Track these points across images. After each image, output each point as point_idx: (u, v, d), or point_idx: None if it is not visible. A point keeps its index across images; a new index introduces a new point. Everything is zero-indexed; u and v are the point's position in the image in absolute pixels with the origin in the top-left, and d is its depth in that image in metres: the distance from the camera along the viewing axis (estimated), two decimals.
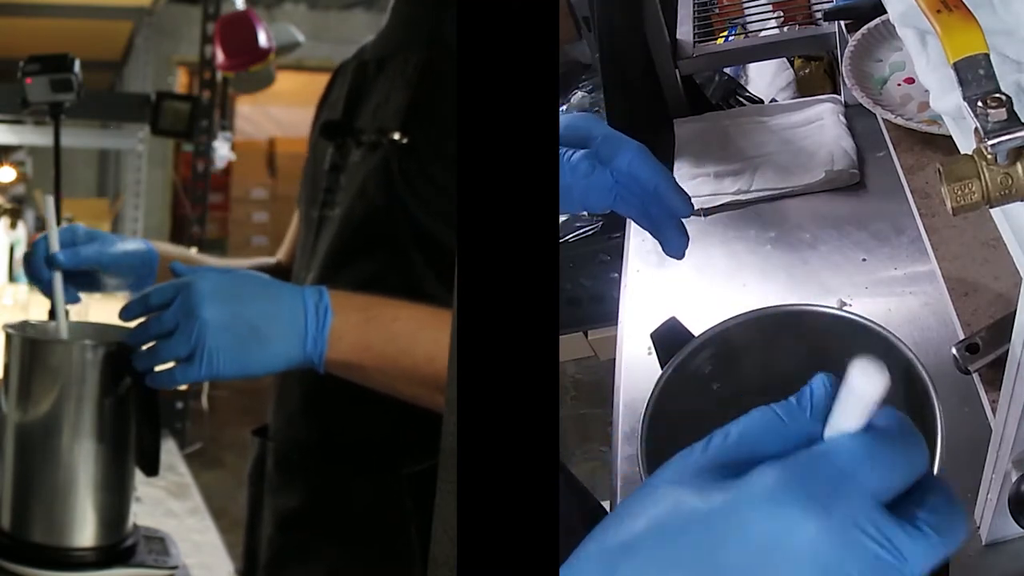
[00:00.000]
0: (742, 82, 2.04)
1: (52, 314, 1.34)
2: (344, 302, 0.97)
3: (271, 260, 1.32)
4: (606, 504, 1.10)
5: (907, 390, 0.79)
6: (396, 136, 1.06)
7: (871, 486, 0.48)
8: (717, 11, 1.96)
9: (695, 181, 1.46)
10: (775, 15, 1.94)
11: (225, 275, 0.97)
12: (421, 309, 0.97)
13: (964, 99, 0.69)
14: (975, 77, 0.69)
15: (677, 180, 1.34)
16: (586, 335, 2.47)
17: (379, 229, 1.05)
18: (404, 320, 0.97)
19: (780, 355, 0.88)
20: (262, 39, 3.39)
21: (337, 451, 1.11)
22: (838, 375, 0.50)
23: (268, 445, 1.19)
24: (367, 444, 1.08)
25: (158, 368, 1.00)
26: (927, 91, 1.13)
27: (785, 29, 1.89)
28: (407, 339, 0.96)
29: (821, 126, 1.49)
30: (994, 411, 0.86)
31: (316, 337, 0.94)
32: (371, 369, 0.97)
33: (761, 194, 1.42)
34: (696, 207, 1.35)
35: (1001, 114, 0.67)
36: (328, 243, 1.13)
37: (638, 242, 1.44)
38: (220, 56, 3.38)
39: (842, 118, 1.48)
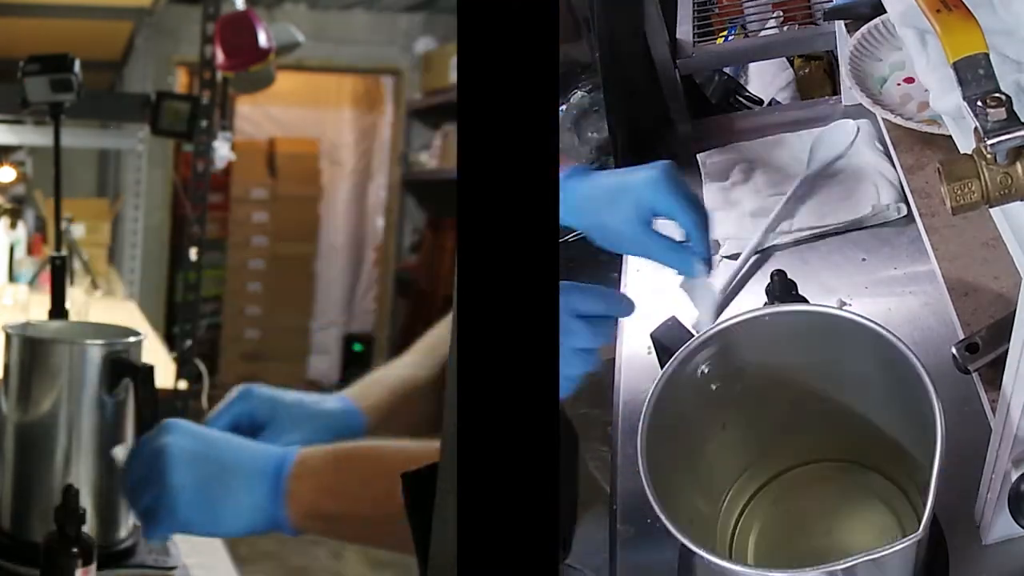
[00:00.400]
0: (742, 81, 2.04)
1: (52, 314, 1.34)
2: (312, 466, 0.95)
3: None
4: (606, 504, 1.10)
5: (907, 390, 0.79)
6: None
7: None
8: (717, 11, 1.96)
9: (729, 221, 1.37)
10: (775, 15, 1.94)
11: (197, 444, 0.96)
12: (399, 453, 0.94)
13: (964, 99, 0.69)
14: (975, 77, 0.69)
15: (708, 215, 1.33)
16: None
17: None
18: (379, 475, 0.93)
19: (780, 355, 0.88)
20: (262, 39, 3.38)
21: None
22: None
23: None
24: None
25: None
26: (927, 91, 1.13)
27: (785, 29, 1.89)
28: (377, 496, 0.92)
29: (859, 155, 1.39)
30: (994, 411, 0.86)
31: (273, 513, 0.93)
32: (340, 533, 0.99)
33: (803, 234, 1.32)
34: (735, 250, 1.32)
35: (1001, 114, 0.67)
36: None
37: None
38: (220, 56, 3.37)
39: (878, 144, 1.38)
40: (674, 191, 1.04)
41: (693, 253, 1.05)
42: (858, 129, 1.40)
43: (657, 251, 1.09)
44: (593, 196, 1.10)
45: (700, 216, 1.05)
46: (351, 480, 0.95)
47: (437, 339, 1.21)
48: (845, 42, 1.43)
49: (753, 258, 1.31)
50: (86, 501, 1.16)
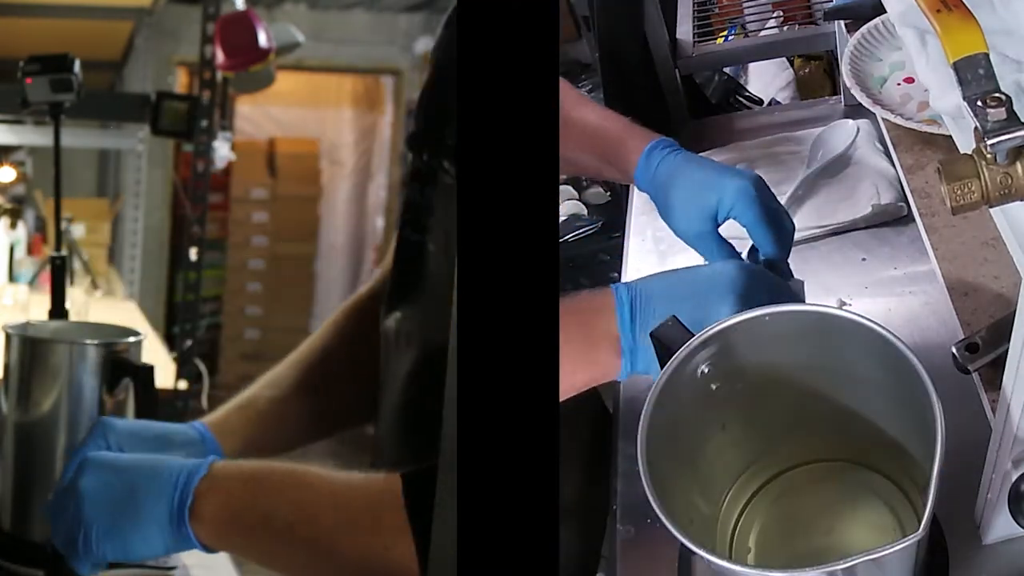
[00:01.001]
0: (742, 81, 2.04)
1: (52, 314, 1.34)
2: (222, 479, 0.93)
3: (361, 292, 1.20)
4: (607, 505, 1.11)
5: (907, 390, 0.79)
6: None
7: None
8: (717, 11, 1.96)
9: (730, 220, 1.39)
10: (775, 15, 1.95)
11: (107, 476, 0.94)
12: (308, 476, 0.94)
13: (964, 99, 0.69)
14: (975, 77, 0.69)
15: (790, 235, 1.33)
16: None
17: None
18: (292, 492, 0.93)
19: (780, 355, 0.88)
20: (262, 39, 3.38)
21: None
22: None
23: None
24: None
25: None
26: (927, 91, 1.13)
27: (785, 29, 1.89)
28: (288, 516, 0.91)
29: (859, 155, 1.39)
30: (994, 411, 0.86)
31: (178, 529, 0.91)
32: (253, 553, 0.95)
33: (804, 234, 1.31)
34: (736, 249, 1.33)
35: (1001, 114, 0.67)
36: (417, 277, 1.00)
37: (638, 242, 1.44)
38: (220, 56, 3.38)
39: (878, 144, 1.39)
40: (758, 206, 1.06)
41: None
42: (858, 129, 1.40)
43: (710, 253, 1.12)
44: (673, 175, 1.13)
45: (777, 233, 1.06)
46: (263, 496, 0.93)
47: (299, 353, 1.20)
48: (845, 42, 1.43)
49: None
50: None
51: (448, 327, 0.98)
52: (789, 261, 1.09)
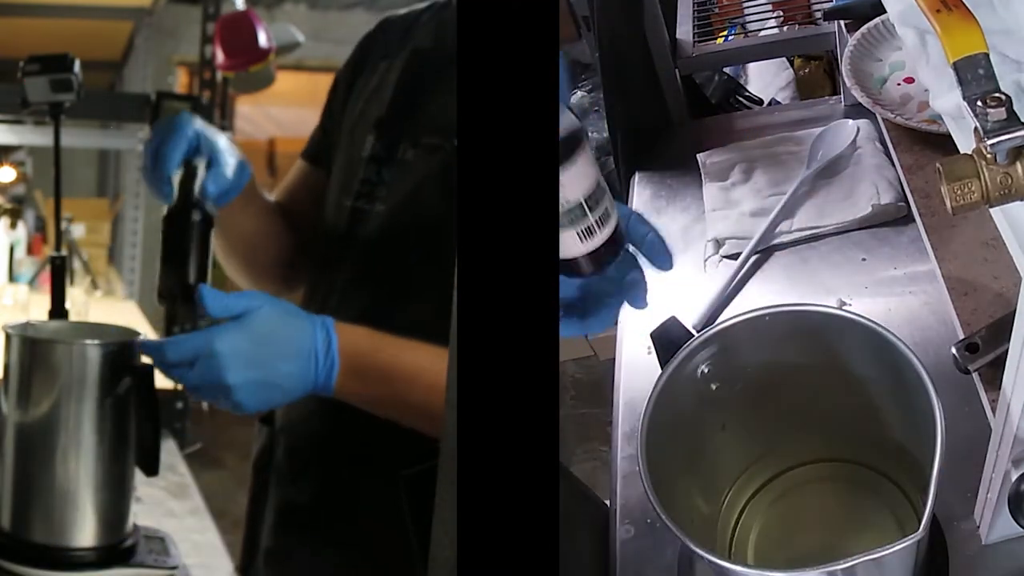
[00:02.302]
0: (742, 81, 2.04)
1: (52, 314, 1.34)
2: (350, 336, 1.01)
3: (271, 200, 1.32)
4: (605, 503, 1.10)
5: (907, 390, 0.79)
6: None
7: None
8: (716, 11, 1.96)
9: (729, 221, 1.37)
10: (775, 15, 1.94)
11: (243, 332, 0.99)
12: (422, 348, 1.01)
13: (964, 99, 0.69)
14: (975, 77, 0.69)
15: (708, 216, 1.32)
16: (586, 335, 2.47)
17: (431, 239, 1.04)
18: (407, 358, 1.01)
19: (780, 355, 0.88)
20: (262, 39, 3.38)
21: (348, 449, 1.11)
22: None
23: (278, 436, 1.18)
24: (372, 443, 1.08)
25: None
26: (927, 91, 1.13)
27: (785, 29, 1.89)
28: (408, 376, 1.01)
29: (859, 155, 1.38)
30: (994, 411, 0.86)
31: (326, 373, 1.00)
32: (373, 402, 1.04)
33: (804, 234, 1.31)
34: (735, 250, 1.32)
35: (1001, 114, 0.67)
36: (366, 239, 1.13)
37: None
38: (220, 56, 3.38)
39: (878, 144, 1.38)
40: None
41: None
42: (858, 129, 1.40)
43: None
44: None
45: None
46: (385, 349, 1.02)
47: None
48: (845, 42, 1.43)
49: (753, 258, 1.31)
50: (86, 501, 1.16)
51: (397, 275, 1.08)
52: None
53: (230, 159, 1.14)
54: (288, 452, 1.17)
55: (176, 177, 1.09)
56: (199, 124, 1.12)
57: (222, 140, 1.15)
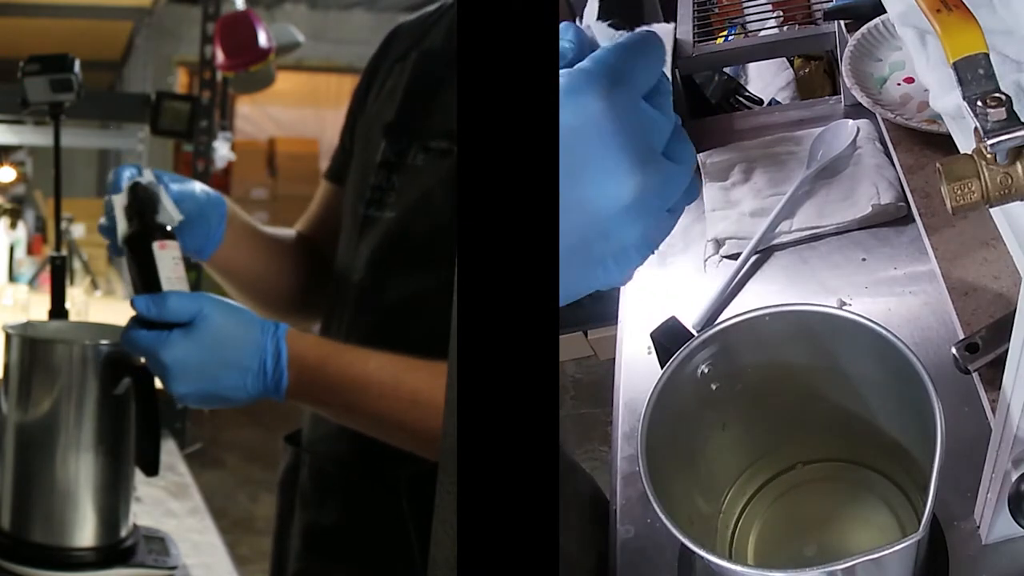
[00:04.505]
0: (742, 81, 2.04)
1: (52, 314, 1.34)
2: (301, 346, 1.01)
3: (291, 233, 1.30)
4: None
5: (907, 390, 0.79)
6: None
7: (633, 78, 0.60)
8: (716, 10, 1.96)
9: (729, 221, 1.37)
10: (775, 15, 1.94)
11: (189, 343, 0.98)
12: (373, 357, 1.01)
13: (964, 99, 0.69)
14: (975, 77, 0.69)
15: (708, 216, 1.29)
16: (586, 335, 2.47)
17: (443, 244, 1.04)
18: (357, 368, 1.01)
19: (780, 355, 0.88)
20: (262, 39, 3.39)
21: (373, 471, 1.10)
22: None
23: (303, 455, 1.17)
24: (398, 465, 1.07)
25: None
26: (927, 91, 1.13)
27: (785, 29, 1.89)
28: (358, 386, 1.00)
29: (859, 155, 1.38)
30: (994, 411, 0.86)
31: (274, 383, 1.00)
32: (325, 411, 1.05)
33: (804, 234, 1.31)
34: (735, 250, 1.32)
35: (1001, 114, 0.67)
36: (376, 246, 1.11)
37: None
38: (220, 56, 3.38)
39: (878, 144, 1.38)
40: None
41: None
42: (858, 129, 1.40)
43: None
44: None
45: None
46: (334, 359, 1.02)
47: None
48: (845, 42, 1.43)
49: (753, 258, 1.31)
50: (86, 501, 1.16)
51: (407, 283, 1.07)
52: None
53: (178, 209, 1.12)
54: (313, 473, 1.16)
55: (121, 203, 1.07)
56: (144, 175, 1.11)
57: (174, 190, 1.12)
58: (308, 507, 1.16)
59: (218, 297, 1.02)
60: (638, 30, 0.65)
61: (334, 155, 1.29)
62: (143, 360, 1.02)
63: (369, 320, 1.10)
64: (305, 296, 1.27)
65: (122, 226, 1.07)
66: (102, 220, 1.12)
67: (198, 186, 1.15)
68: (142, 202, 1.07)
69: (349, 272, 1.15)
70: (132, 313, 1.03)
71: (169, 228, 1.07)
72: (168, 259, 1.06)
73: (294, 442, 1.20)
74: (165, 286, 1.04)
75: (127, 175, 1.09)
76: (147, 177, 1.09)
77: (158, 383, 1.07)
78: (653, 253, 0.63)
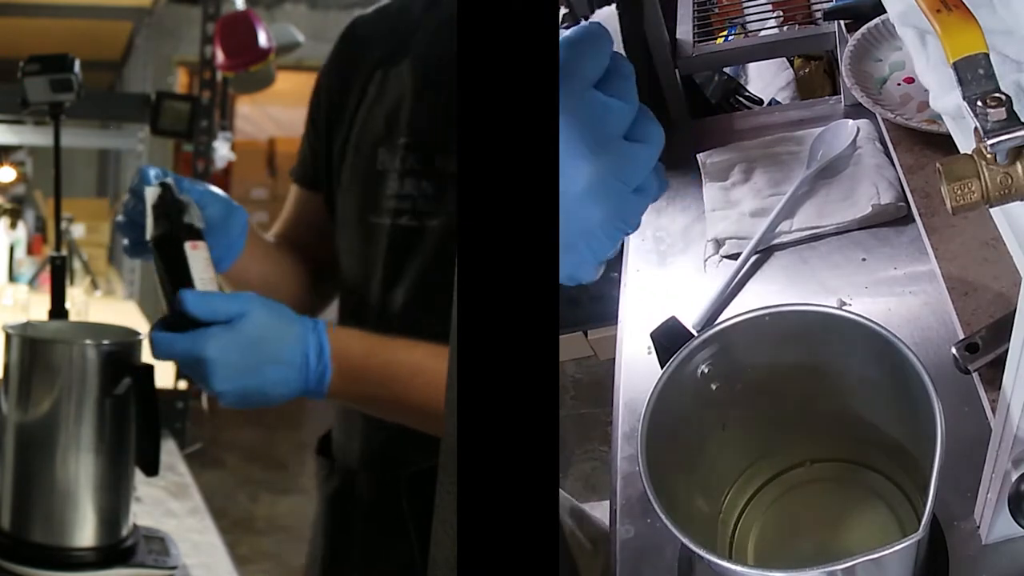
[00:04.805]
0: (742, 81, 2.04)
1: (52, 314, 1.34)
2: (344, 340, 1.00)
3: (270, 240, 1.28)
4: (605, 504, 1.10)
5: (907, 390, 0.79)
6: None
7: (580, 69, 0.61)
8: (716, 11, 1.96)
9: (729, 221, 1.37)
10: (775, 15, 1.94)
11: (233, 338, 0.96)
12: (419, 347, 1.00)
13: (964, 99, 0.69)
14: (975, 77, 0.69)
15: (708, 216, 1.28)
16: (586, 335, 2.47)
17: None
18: (403, 357, 1.00)
19: (780, 355, 0.88)
20: (262, 39, 3.38)
21: (377, 469, 1.10)
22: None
23: (358, 474, 1.16)
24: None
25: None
26: (927, 90, 1.13)
27: (785, 29, 1.89)
28: (404, 376, 1.00)
29: (859, 155, 1.38)
30: (994, 411, 0.86)
31: (317, 378, 0.98)
32: (370, 404, 1.04)
33: (804, 234, 1.31)
34: (735, 250, 1.32)
35: (1001, 114, 0.67)
36: (421, 258, 1.09)
37: (638, 242, 1.44)
38: (220, 56, 3.38)
39: (878, 144, 1.38)
40: None
41: None
42: (858, 129, 1.40)
43: None
44: None
45: None
46: (378, 353, 1.02)
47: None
48: (845, 42, 1.43)
49: (753, 258, 1.31)
50: (86, 501, 1.16)
51: (449, 298, 1.05)
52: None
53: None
54: (377, 492, 1.14)
55: (151, 200, 1.05)
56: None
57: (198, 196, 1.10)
58: (372, 530, 1.14)
59: (258, 295, 1.00)
60: (583, 23, 0.66)
61: (301, 160, 1.27)
62: (175, 360, 0.99)
63: (421, 331, 1.05)
64: (305, 301, 1.26)
65: (150, 225, 1.04)
66: (119, 217, 1.09)
67: (220, 194, 1.13)
68: (171, 203, 1.05)
69: (369, 281, 1.13)
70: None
71: (198, 228, 1.05)
72: (200, 260, 1.03)
73: (326, 454, 1.19)
74: (198, 287, 1.01)
75: (153, 174, 1.06)
76: (174, 179, 1.07)
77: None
78: (626, 234, 0.66)
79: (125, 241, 1.10)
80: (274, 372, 0.97)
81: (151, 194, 1.04)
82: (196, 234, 1.04)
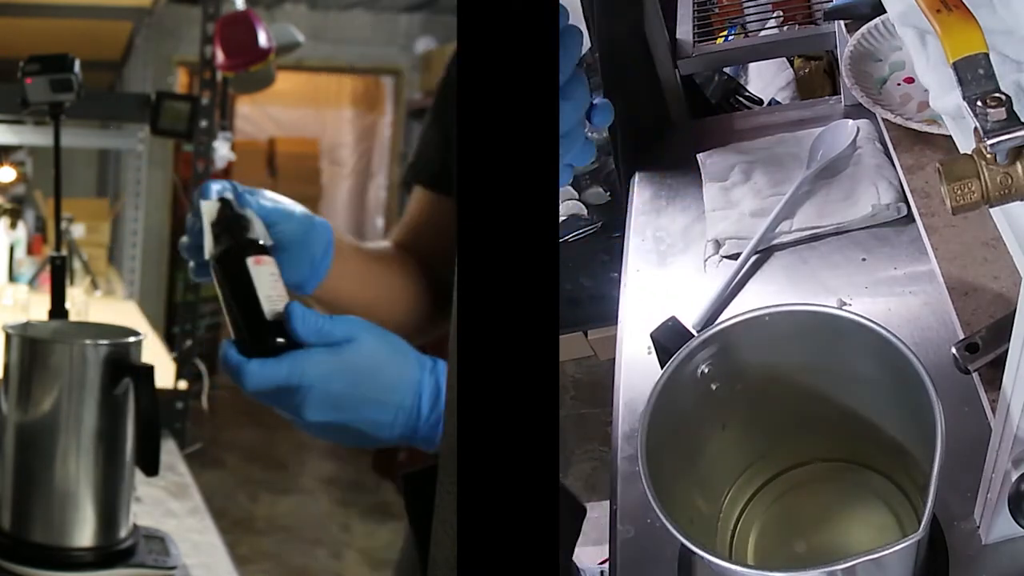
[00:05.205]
0: (742, 81, 2.05)
1: (52, 314, 1.34)
2: None
3: (387, 246, 1.16)
4: (605, 504, 1.10)
5: (907, 390, 0.79)
6: None
7: None
8: (717, 11, 1.96)
9: (729, 221, 1.37)
10: (775, 15, 1.95)
11: (337, 365, 0.85)
12: None
13: (964, 99, 0.69)
14: (975, 77, 0.69)
15: (708, 216, 1.26)
16: (586, 335, 2.47)
17: None
18: None
19: (780, 355, 0.88)
20: (262, 39, 3.38)
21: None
22: None
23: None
24: None
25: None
26: (927, 90, 1.13)
27: (785, 29, 1.89)
28: None
29: (859, 155, 1.38)
30: (994, 411, 0.86)
31: (429, 428, 0.87)
32: None
33: (804, 234, 1.31)
34: (735, 250, 1.33)
35: (1001, 114, 0.67)
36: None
37: (638, 242, 1.44)
38: (220, 56, 3.37)
39: (878, 144, 1.38)
40: None
41: None
42: (858, 129, 1.40)
43: None
44: None
45: None
46: None
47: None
48: (845, 42, 1.43)
49: (753, 258, 1.31)
50: (86, 501, 1.16)
51: None
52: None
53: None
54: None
55: (210, 216, 0.95)
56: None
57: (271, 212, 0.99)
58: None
59: (365, 321, 0.88)
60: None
61: (426, 161, 1.15)
62: (250, 385, 0.86)
63: None
64: (420, 321, 1.14)
65: (209, 242, 0.95)
66: (184, 239, 0.99)
67: (298, 208, 1.01)
68: (232, 218, 0.96)
69: None
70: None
71: (263, 243, 0.95)
72: (266, 276, 0.93)
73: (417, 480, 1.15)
74: (265, 306, 0.90)
75: (216, 188, 0.97)
76: (236, 193, 0.98)
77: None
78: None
79: (191, 264, 0.99)
80: (377, 412, 0.85)
81: (208, 210, 0.95)
82: (260, 248, 0.95)
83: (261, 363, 0.85)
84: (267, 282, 0.92)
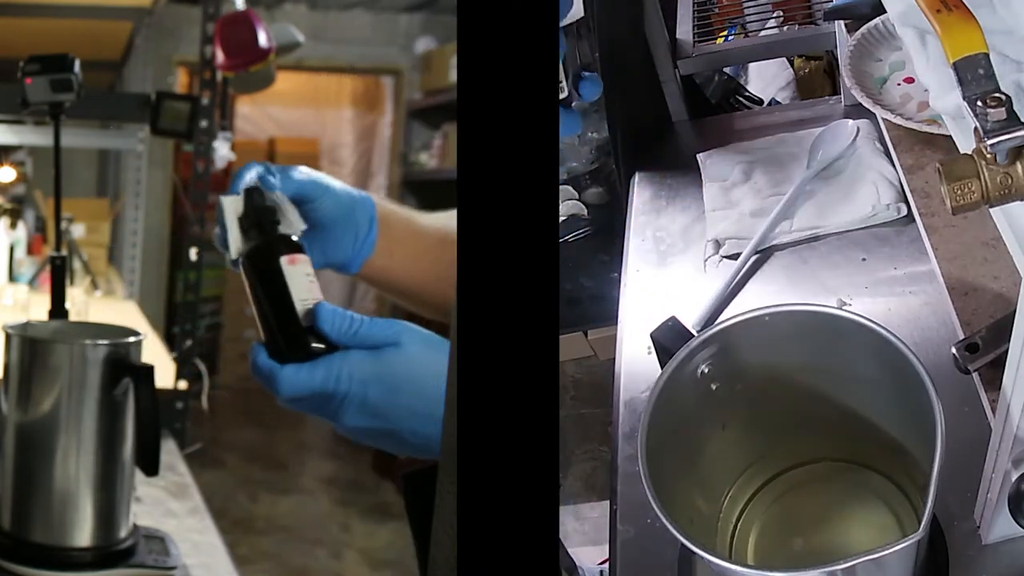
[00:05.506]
0: (742, 81, 2.04)
1: (52, 314, 1.34)
2: None
3: (446, 216, 1.06)
4: (605, 504, 1.10)
5: (907, 390, 0.79)
6: None
7: None
8: (717, 11, 1.96)
9: (729, 221, 1.37)
10: (775, 15, 1.95)
11: (377, 370, 0.80)
12: None
13: (964, 99, 0.69)
14: (975, 77, 0.69)
15: (708, 216, 1.25)
16: (586, 335, 2.47)
17: None
18: None
19: (780, 355, 0.88)
20: (262, 39, 3.38)
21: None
22: None
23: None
24: None
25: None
26: (927, 90, 1.13)
27: (785, 29, 1.89)
28: None
29: (859, 155, 1.38)
30: (994, 411, 0.86)
31: None
32: None
33: (804, 234, 1.31)
34: (735, 250, 1.33)
35: (1001, 114, 0.67)
36: None
37: (638, 242, 1.44)
38: (220, 56, 3.37)
39: (878, 144, 1.38)
40: None
41: None
42: (858, 129, 1.40)
43: None
44: None
45: None
46: None
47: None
48: (845, 42, 1.43)
49: (753, 258, 1.31)
50: (86, 501, 1.16)
51: None
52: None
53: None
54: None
55: (234, 209, 0.89)
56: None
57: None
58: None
59: (412, 326, 0.83)
60: None
61: None
62: (285, 393, 0.82)
63: None
64: None
65: (236, 238, 0.89)
66: (217, 229, 0.92)
67: (334, 183, 0.95)
68: (260, 211, 0.89)
69: None
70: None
71: (295, 239, 0.89)
72: (300, 276, 0.86)
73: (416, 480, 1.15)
74: (300, 309, 0.84)
75: (247, 177, 0.91)
76: (264, 179, 0.91)
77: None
78: None
79: (226, 255, 0.92)
80: (419, 424, 0.80)
81: (231, 205, 0.89)
82: (293, 245, 0.88)
83: (296, 369, 0.81)
84: (302, 283, 0.86)
